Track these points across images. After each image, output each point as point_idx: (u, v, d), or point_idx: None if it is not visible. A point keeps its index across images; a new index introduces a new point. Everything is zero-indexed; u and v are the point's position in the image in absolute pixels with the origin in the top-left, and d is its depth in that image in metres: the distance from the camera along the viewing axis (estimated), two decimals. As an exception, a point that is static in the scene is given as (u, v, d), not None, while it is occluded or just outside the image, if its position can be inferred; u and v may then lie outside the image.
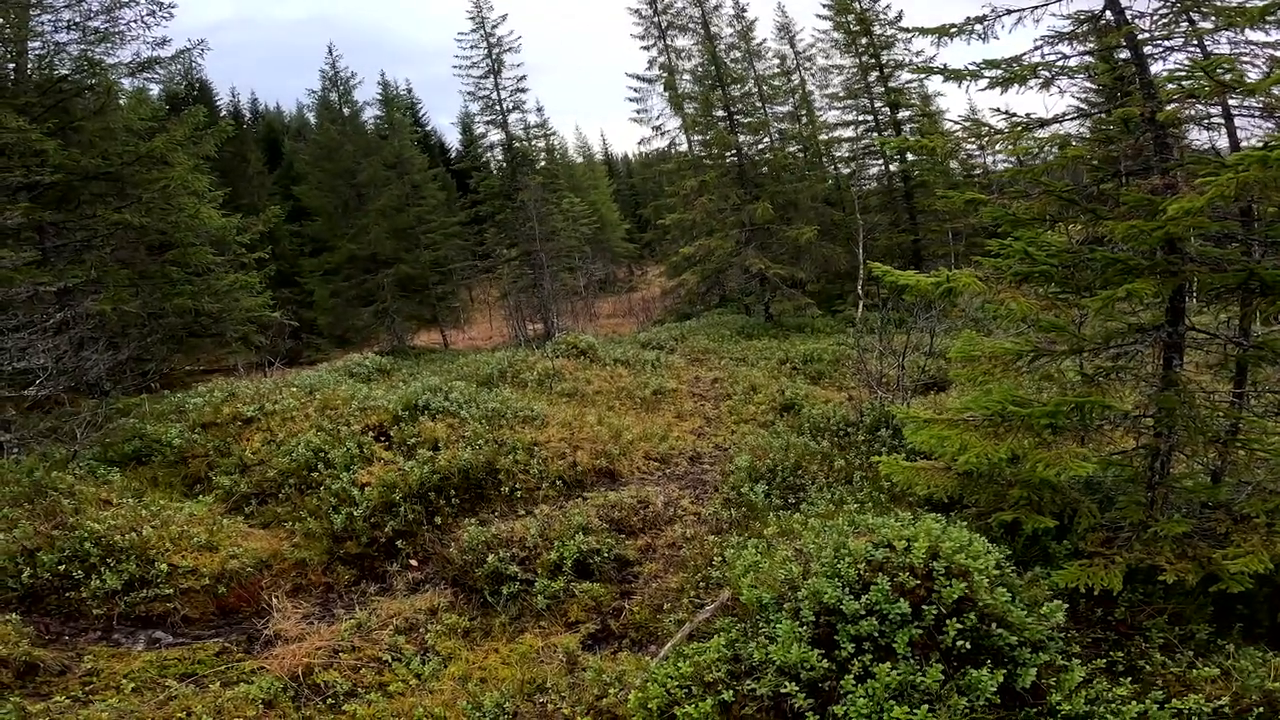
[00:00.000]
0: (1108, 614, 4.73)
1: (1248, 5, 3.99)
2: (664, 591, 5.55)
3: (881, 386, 10.38)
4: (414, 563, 6.72)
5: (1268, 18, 3.73)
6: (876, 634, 3.77)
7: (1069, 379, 7.58)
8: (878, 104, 25.70)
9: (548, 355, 14.48)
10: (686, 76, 25.45)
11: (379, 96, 30.87)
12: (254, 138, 35.35)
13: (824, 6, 26.25)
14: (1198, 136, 6.94)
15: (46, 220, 11.37)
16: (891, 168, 25.93)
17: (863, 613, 3.82)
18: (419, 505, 7.25)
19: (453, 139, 50.32)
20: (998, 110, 5.05)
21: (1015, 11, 4.80)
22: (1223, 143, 5.83)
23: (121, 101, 12.96)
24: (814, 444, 8.39)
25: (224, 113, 34.68)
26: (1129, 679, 3.96)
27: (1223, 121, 4.65)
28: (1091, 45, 4.75)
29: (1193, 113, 4.33)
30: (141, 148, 11.95)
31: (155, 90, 15.38)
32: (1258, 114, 4.63)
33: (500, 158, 29.25)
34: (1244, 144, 5.57)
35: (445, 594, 5.97)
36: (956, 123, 5.45)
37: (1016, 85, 4.81)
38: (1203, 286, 5.12)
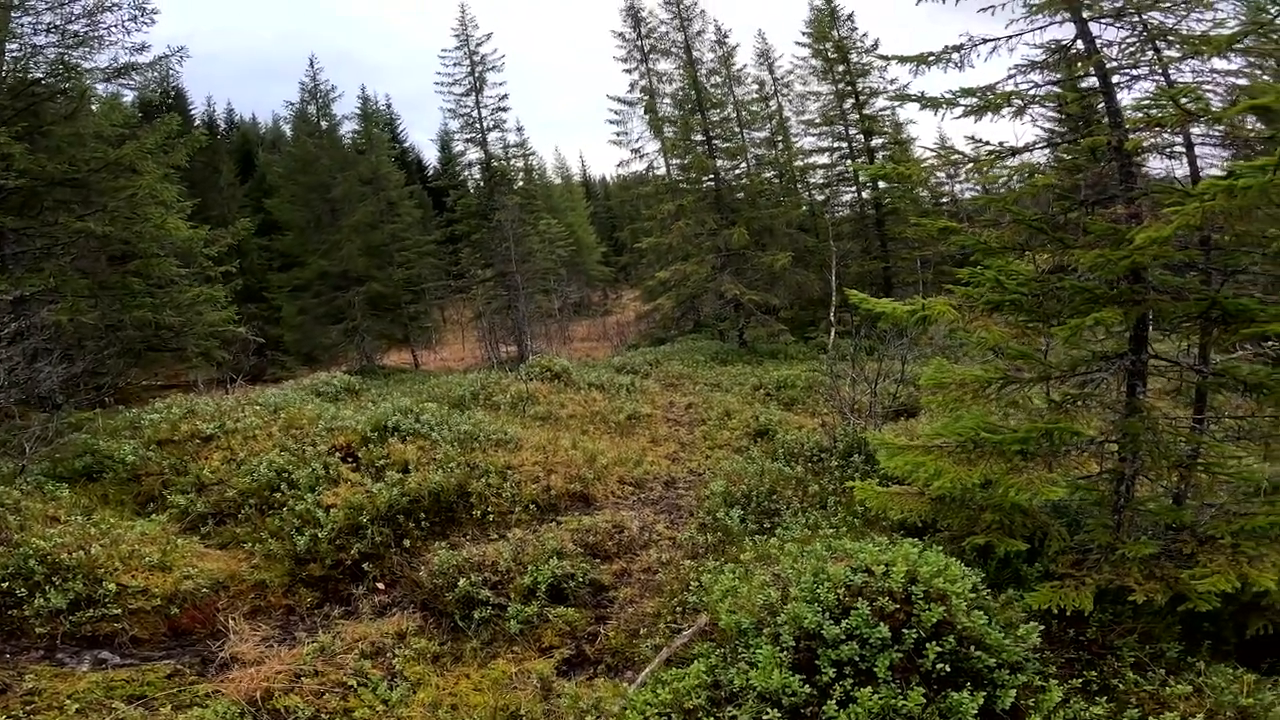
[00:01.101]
0: (1079, 634, 4.79)
1: (1212, 34, 4.17)
2: (640, 616, 5.44)
3: (854, 413, 10.49)
4: (381, 586, 6.51)
5: (1234, 46, 3.90)
6: (857, 658, 3.74)
7: (1035, 405, 7.78)
8: (852, 131, 26.32)
9: (522, 378, 14.37)
10: (667, 100, 25.89)
11: (358, 111, 30.80)
12: (227, 148, 34.87)
13: (803, 34, 27.01)
14: (1155, 165, 7.23)
15: (7, 226, 10.95)
16: (864, 195, 26.49)
17: (843, 637, 3.79)
18: (387, 528, 7.05)
19: (430, 156, 50.31)
20: (972, 139, 5.18)
21: (991, 40, 4.95)
22: (1180, 171, 6.08)
23: (94, 107, 12.64)
24: (788, 469, 8.44)
25: (198, 122, 34.17)
26: (1104, 698, 3.99)
27: (1184, 150, 4.82)
28: (1061, 75, 4.92)
29: (1158, 141, 4.50)
30: (110, 155, 11.61)
31: (129, 96, 15.04)
32: (1216, 143, 4.82)
33: (478, 176, 29.16)
34: (1202, 173, 5.84)
35: (414, 618, 5.77)
36: (931, 150, 5.59)
37: (991, 113, 4.95)
38: (1164, 315, 5.29)
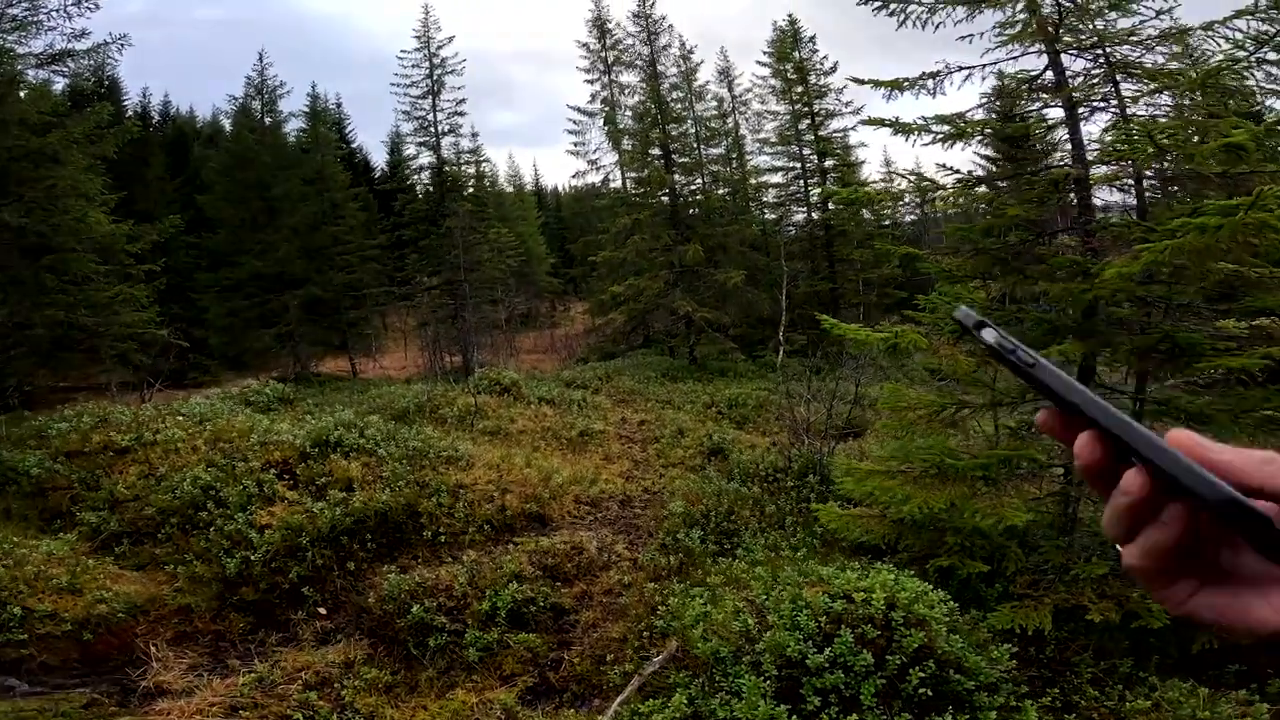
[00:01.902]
0: (1039, 652, 4.90)
1: (1170, 68, 4.37)
2: (605, 641, 5.24)
3: (808, 433, 10.60)
4: (322, 611, 6.07)
5: (1209, 82, 4.09)
6: (842, 686, 3.67)
7: (978, 430, 8.01)
8: (806, 151, 26.65)
9: (469, 390, 13.94)
10: (628, 112, 25.80)
11: (306, 109, 29.50)
12: (160, 141, 32.88)
13: (765, 54, 27.47)
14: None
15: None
16: (814, 216, 26.89)
17: (826, 665, 3.72)
18: (329, 550, 6.60)
19: (378, 158, 48.85)
20: (943, 166, 5.29)
21: (966, 68, 5.06)
22: (1102, 202, 6.39)
23: (21, 94, 11.62)
24: (745, 490, 8.44)
25: (130, 113, 32.10)
26: (1071, 715, 4.06)
27: (1132, 184, 5.04)
28: (1011, 106, 5.09)
29: (1119, 174, 4.69)
30: (33, 143, 10.68)
31: (60, 84, 13.93)
32: (1155, 177, 5.06)
33: (427, 181, 28.35)
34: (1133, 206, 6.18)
35: (362, 645, 5.39)
36: (901, 174, 5.69)
37: (963, 141, 5.06)
38: (1117, 347, 5.52)
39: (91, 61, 11.73)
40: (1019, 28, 4.75)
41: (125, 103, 34.16)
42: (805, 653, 3.74)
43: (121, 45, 12.00)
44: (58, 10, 10.91)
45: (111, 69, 29.13)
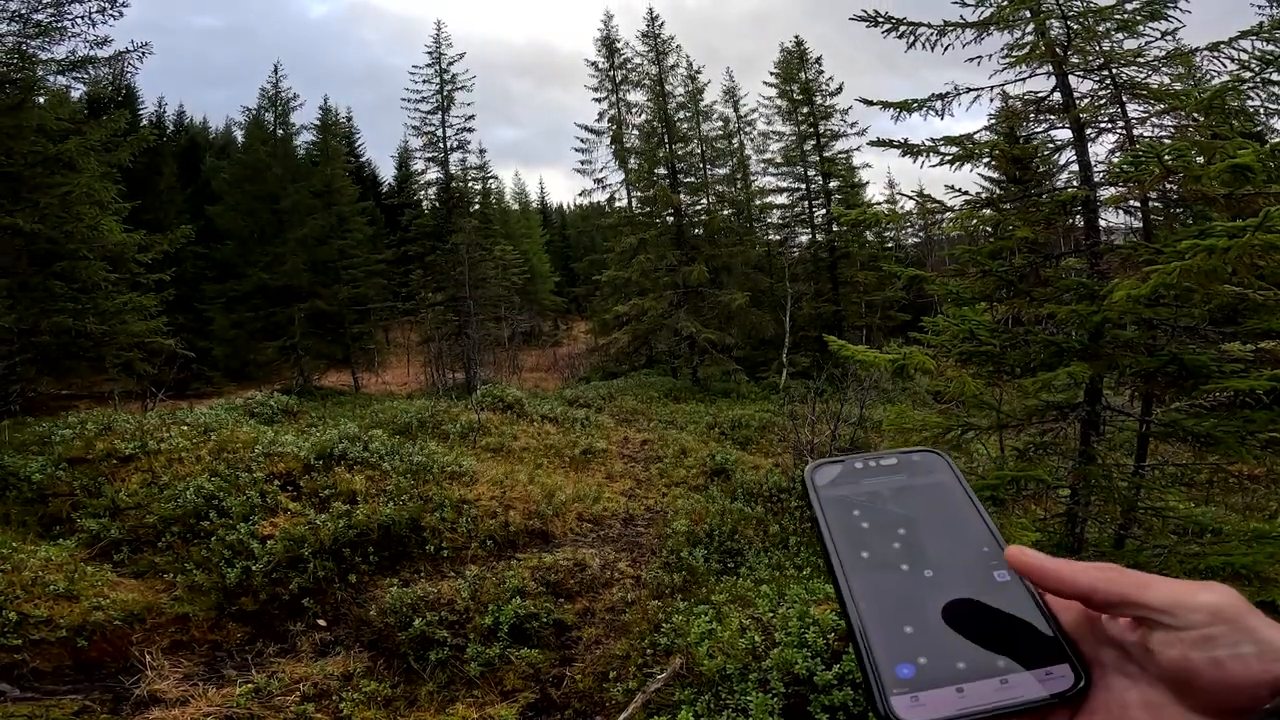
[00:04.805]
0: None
1: (1175, 89, 4.40)
2: (608, 658, 5.17)
3: (811, 454, 10.58)
4: (322, 623, 6.01)
5: (1215, 103, 4.12)
6: (850, 703, 3.61)
7: (990, 453, 7.98)
8: (811, 172, 26.78)
9: (472, 407, 13.96)
10: (635, 131, 25.98)
11: (317, 121, 29.79)
12: (171, 150, 33.24)
13: (771, 74, 27.78)
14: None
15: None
16: (819, 237, 26.95)
17: (835, 682, 3.66)
18: (331, 562, 6.57)
19: (386, 172, 49.37)
20: (950, 188, 5.32)
21: (975, 90, 5.12)
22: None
23: (40, 99, 11.78)
24: (748, 509, 8.43)
25: (145, 122, 32.56)
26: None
27: (1138, 205, 5.05)
28: (1042, 126, 5.13)
29: (1128, 195, 4.71)
30: (50, 149, 10.79)
31: (78, 91, 14.13)
32: (1159, 199, 5.08)
33: (434, 196, 28.50)
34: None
35: (361, 658, 5.32)
36: (908, 196, 5.71)
37: (971, 162, 5.09)
38: (1124, 368, 5.50)
39: (111, 69, 11.89)
40: (1027, 49, 4.82)
41: (141, 111, 34.71)
42: (813, 670, 3.69)
43: (142, 54, 12.18)
44: (84, 16, 11.10)
45: (132, 77, 29.64)
